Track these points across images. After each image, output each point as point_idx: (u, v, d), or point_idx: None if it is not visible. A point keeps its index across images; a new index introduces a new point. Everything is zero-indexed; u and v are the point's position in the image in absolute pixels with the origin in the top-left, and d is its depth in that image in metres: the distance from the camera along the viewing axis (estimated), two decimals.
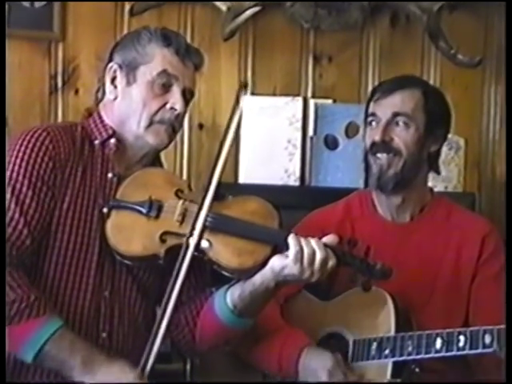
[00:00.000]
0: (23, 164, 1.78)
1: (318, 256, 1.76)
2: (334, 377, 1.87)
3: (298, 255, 1.75)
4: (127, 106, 1.86)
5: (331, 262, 1.78)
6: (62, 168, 1.81)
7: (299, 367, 1.91)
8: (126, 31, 2.78)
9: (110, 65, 1.87)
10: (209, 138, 2.83)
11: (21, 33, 2.73)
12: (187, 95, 1.89)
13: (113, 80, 1.87)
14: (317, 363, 1.89)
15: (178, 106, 1.85)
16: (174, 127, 1.88)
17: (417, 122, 2.05)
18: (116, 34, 2.79)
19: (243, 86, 1.95)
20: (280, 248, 1.80)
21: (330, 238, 1.80)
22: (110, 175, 1.87)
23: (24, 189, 1.77)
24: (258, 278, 1.79)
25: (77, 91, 2.81)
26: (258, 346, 1.95)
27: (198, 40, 2.80)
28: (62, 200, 1.81)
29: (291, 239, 1.78)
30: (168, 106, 1.85)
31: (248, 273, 1.81)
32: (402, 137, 2.04)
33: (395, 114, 2.04)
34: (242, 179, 2.73)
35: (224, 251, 1.80)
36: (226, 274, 1.82)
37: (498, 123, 2.90)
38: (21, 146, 1.79)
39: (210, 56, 2.71)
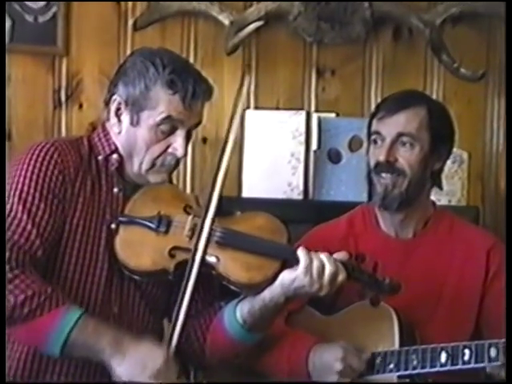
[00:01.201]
0: (34, 177, 1.78)
1: (328, 269, 1.77)
2: (347, 365, 1.87)
3: (308, 267, 1.76)
4: (131, 144, 1.85)
5: (341, 277, 1.78)
6: (71, 182, 1.81)
7: (309, 366, 1.91)
8: (129, 46, 2.79)
9: (114, 97, 1.85)
10: (212, 152, 2.83)
11: (24, 48, 2.74)
12: (192, 131, 1.88)
13: (117, 110, 1.85)
14: (328, 356, 1.89)
15: (179, 152, 1.84)
16: (175, 166, 1.89)
17: (421, 142, 2.04)
18: (119, 48, 2.80)
19: (247, 68, 1.93)
20: (289, 263, 1.80)
21: (340, 255, 1.80)
22: (115, 190, 1.87)
23: (36, 201, 1.76)
24: (267, 294, 1.80)
25: (81, 105, 2.81)
26: (266, 353, 1.94)
27: (201, 54, 2.82)
28: (71, 215, 1.81)
29: (301, 252, 1.78)
30: (170, 150, 1.84)
31: (257, 288, 1.81)
32: (406, 157, 2.03)
33: (400, 134, 2.04)
34: (245, 193, 2.73)
35: (233, 266, 1.80)
36: (234, 289, 1.82)
37: (502, 136, 2.90)
38: (30, 159, 1.79)
39: (213, 70, 2.74)
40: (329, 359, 1.89)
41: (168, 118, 1.81)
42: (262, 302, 1.80)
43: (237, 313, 1.84)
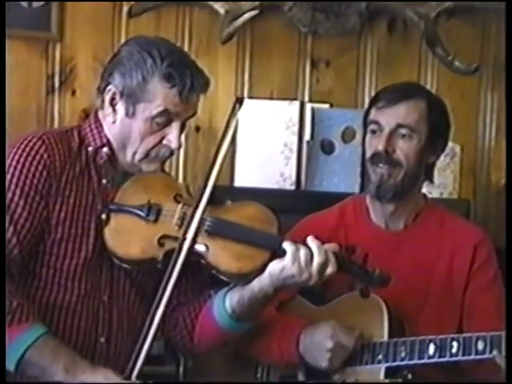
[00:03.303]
0: (16, 173, 1.77)
1: (316, 258, 1.77)
2: (337, 342, 1.88)
3: (295, 256, 1.76)
4: (125, 135, 1.84)
5: (331, 267, 1.78)
6: (57, 177, 1.80)
7: (301, 348, 1.91)
8: (123, 33, 2.79)
9: (110, 87, 1.82)
10: (205, 141, 2.83)
11: (18, 33, 2.73)
12: (186, 122, 1.86)
13: (112, 100, 1.83)
14: (318, 335, 1.90)
15: (174, 144, 1.82)
16: (169, 157, 1.88)
17: (420, 135, 2.05)
18: (114, 35, 2.79)
19: (239, 101, 1.89)
20: (278, 253, 1.80)
21: (330, 246, 1.80)
22: (104, 182, 1.86)
23: (16, 198, 1.76)
24: (256, 284, 1.80)
25: (74, 92, 2.81)
26: (257, 339, 1.95)
27: (195, 43, 2.81)
28: (58, 210, 1.80)
29: (287, 242, 1.78)
30: (164, 142, 1.83)
31: (247, 278, 1.81)
32: (404, 149, 2.04)
33: (399, 126, 2.04)
34: (237, 182, 2.74)
35: (223, 256, 1.79)
36: (224, 278, 1.82)
37: (494, 130, 2.91)
38: (15, 154, 1.78)
39: (208, 59, 2.74)
40: (319, 338, 1.90)
41: (165, 111, 1.80)
42: (251, 292, 1.81)
43: (226, 302, 1.84)
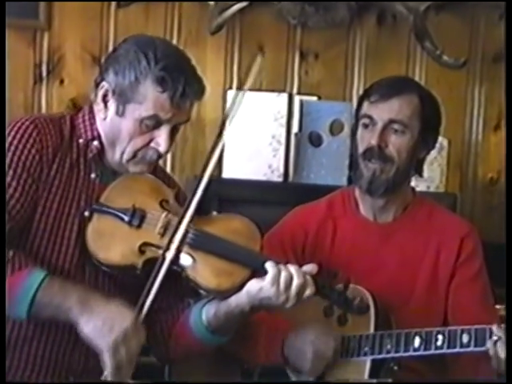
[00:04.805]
0: (9, 154, 1.75)
1: (296, 281, 1.75)
2: (318, 346, 1.88)
3: (276, 277, 1.74)
4: (114, 133, 1.82)
5: (309, 290, 1.77)
6: (48, 162, 1.78)
7: (285, 351, 1.91)
8: (112, 22, 2.78)
9: (103, 83, 1.80)
10: (193, 132, 2.83)
11: (6, 21, 2.71)
12: (179, 127, 1.84)
13: (104, 97, 1.81)
14: (301, 340, 1.90)
15: (162, 148, 1.80)
16: (157, 160, 1.86)
17: (412, 130, 2.04)
18: (102, 24, 2.78)
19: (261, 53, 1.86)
20: (259, 272, 1.78)
21: (309, 268, 1.78)
22: (92, 176, 1.84)
23: (8, 179, 1.74)
24: (233, 301, 1.78)
25: (62, 81, 2.80)
26: (242, 339, 1.93)
27: (184, 34, 2.81)
28: (45, 197, 1.79)
29: (269, 263, 1.77)
30: (152, 144, 1.81)
31: (224, 294, 1.79)
32: (396, 144, 2.03)
33: (392, 121, 2.03)
34: (225, 174, 2.73)
35: (203, 270, 1.77)
36: (202, 292, 1.80)
37: (482, 124, 2.92)
38: (8, 136, 1.77)
39: (197, 50, 2.73)
40: (301, 342, 1.89)
41: (154, 116, 1.78)
42: (228, 308, 1.79)
43: (202, 314, 1.82)
